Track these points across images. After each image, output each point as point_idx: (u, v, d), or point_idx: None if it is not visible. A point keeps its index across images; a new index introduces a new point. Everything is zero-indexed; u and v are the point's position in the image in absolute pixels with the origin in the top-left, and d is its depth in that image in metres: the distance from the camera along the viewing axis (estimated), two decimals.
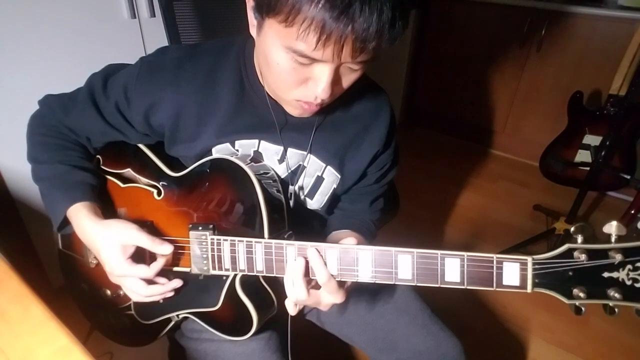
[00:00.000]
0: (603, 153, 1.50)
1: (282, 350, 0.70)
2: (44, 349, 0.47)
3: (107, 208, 0.71)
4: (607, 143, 1.49)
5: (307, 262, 0.54)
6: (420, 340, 0.72)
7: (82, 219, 0.62)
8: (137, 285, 0.62)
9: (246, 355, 0.67)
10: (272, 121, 0.64)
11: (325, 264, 0.54)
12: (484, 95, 2.45)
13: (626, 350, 1.38)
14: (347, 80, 0.54)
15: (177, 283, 0.65)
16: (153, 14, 1.30)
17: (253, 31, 0.54)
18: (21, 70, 1.10)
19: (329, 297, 0.56)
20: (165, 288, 0.64)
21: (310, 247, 0.54)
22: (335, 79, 0.52)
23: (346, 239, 0.55)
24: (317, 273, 0.53)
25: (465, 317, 1.46)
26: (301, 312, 0.83)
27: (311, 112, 0.58)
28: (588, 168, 1.60)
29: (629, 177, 1.59)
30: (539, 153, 1.97)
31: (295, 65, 0.50)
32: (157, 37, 1.33)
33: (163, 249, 0.62)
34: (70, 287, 0.81)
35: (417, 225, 1.92)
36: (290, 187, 0.68)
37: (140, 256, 0.63)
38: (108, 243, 0.60)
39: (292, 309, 0.56)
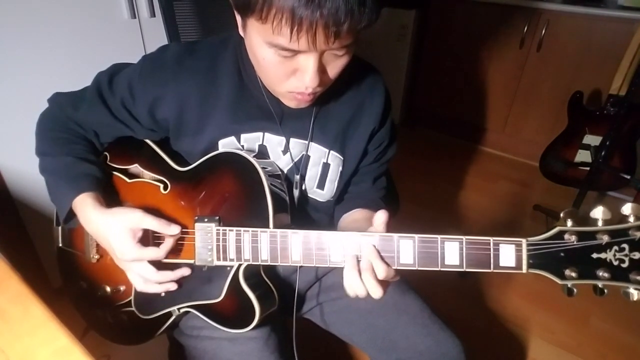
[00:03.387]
0: (603, 153, 1.51)
1: (281, 351, 0.71)
2: (44, 349, 0.47)
3: (113, 204, 0.71)
4: (607, 143, 1.49)
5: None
6: (420, 340, 0.72)
7: (88, 209, 0.63)
8: (148, 270, 0.63)
9: (245, 355, 0.67)
10: (271, 112, 0.65)
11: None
12: (483, 95, 2.45)
13: (626, 350, 1.37)
14: (335, 66, 0.55)
15: (186, 271, 0.65)
16: (153, 14, 1.31)
17: (241, 31, 0.56)
18: (21, 71, 1.10)
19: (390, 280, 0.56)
20: (174, 274, 0.64)
21: (367, 245, 0.54)
22: (322, 67, 0.53)
23: (359, 218, 0.56)
24: (376, 268, 0.54)
25: (465, 317, 1.46)
26: (301, 311, 0.83)
27: (307, 102, 0.60)
28: (588, 168, 1.60)
29: (629, 177, 1.59)
30: (539, 153, 1.97)
31: (280, 58, 0.52)
32: (157, 37, 1.33)
33: (171, 230, 0.63)
34: (67, 286, 0.82)
35: (417, 225, 1.91)
36: (296, 177, 0.69)
37: (147, 243, 0.64)
38: (116, 229, 0.61)
39: (353, 295, 0.57)
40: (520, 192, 2.21)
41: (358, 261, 0.55)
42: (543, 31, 2.08)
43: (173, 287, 0.65)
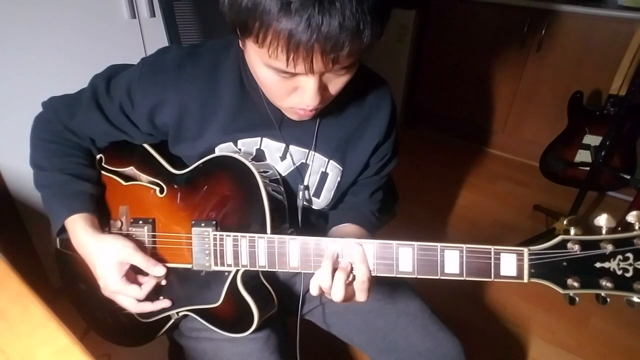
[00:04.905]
0: (603, 153, 1.50)
1: (280, 351, 0.71)
2: (44, 349, 0.47)
3: (108, 206, 0.71)
4: (607, 143, 1.49)
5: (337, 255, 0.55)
6: (420, 340, 0.72)
7: (79, 231, 0.63)
8: (128, 302, 0.65)
9: (244, 355, 0.67)
10: (271, 119, 0.64)
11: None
12: (484, 95, 2.45)
13: (626, 350, 1.37)
14: (336, 84, 0.54)
15: (166, 303, 0.67)
16: (153, 14, 1.31)
17: (241, 45, 0.55)
18: (21, 71, 1.10)
19: (357, 295, 0.56)
20: (154, 307, 0.66)
21: (356, 245, 0.54)
22: (323, 85, 0.52)
23: (347, 234, 0.55)
24: (358, 269, 0.54)
25: (465, 318, 1.46)
26: (301, 312, 0.83)
27: (309, 117, 0.58)
28: (588, 168, 1.60)
29: (629, 177, 1.59)
30: (539, 153, 1.97)
31: (279, 78, 0.51)
32: (157, 37, 1.33)
33: (156, 271, 0.64)
34: (67, 287, 0.81)
35: (417, 225, 1.92)
36: (300, 187, 0.69)
37: (135, 272, 0.65)
38: (104, 259, 0.62)
39: (314, 289, 0.56)
40: (520, 192, 2.21)
41: (337, 260, 0.55)
42: (543, 31, 2.07)
43: (161, 306, 0.67)
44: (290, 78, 0.50)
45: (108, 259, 0.62)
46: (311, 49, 0.43)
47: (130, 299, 0.64)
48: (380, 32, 0.47)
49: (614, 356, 1.36)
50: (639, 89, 1.41)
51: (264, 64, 0.50)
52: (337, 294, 0.54)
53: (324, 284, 0.54)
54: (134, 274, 0.65)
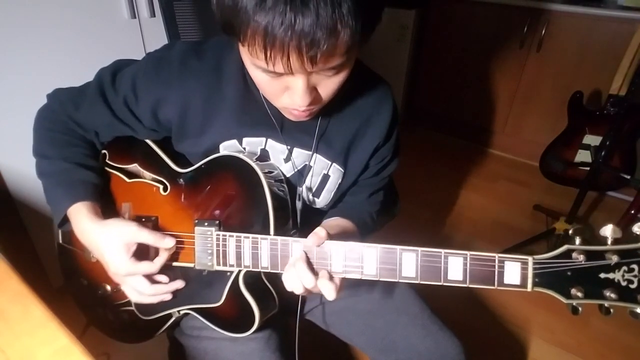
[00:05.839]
0: (603, 153, 1.51)
1: (282, 350, 0.71)
2: (44, 349, 0.47)
3: (111, 203, 0.71)
4: (607, 143, 1.49)
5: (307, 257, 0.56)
6: (420, 340, 0.72)
7: (82, 219, 0.62)
8: (142, 284, 0.63)
9: (245, 355, 0.67)
10: (273, 120, 0.64)
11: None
12: (484, 95, 2.45)
13: (626, 350, 1.38)
14: (326, 86, 0.53)
15: (180, 284, 0.65)
16: (153, 14, 1.31)
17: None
18: (21, 71, 1.10)
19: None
20: (168, 287, 0.65)
21: (299, 261, 0.55)
22: (312, 86, 0.52)
23: (336, 225, 0.57)
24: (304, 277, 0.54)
25: (465, 317, 1.46)
26: (301, 312, 0.83)
27: (305, 117, 0.58)
28: (588, 168, 1.60)
29: (629, 177, 1.59)
30: (539, 153, 1.97)
31: (269, 78, 0.51)
32: (157, 37, 1.33)
33: (166, 243, 0.62)
34: (68, 282, 0.81)
35: (417, 225, 1.92)
36: (299, 189, 0.68)
37: (144, 255, 0.64)
38: (110, 244, 0.61)
39: (298, 289, 0.56)
40: (520, 192, 2.21)
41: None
42: (543, 31, 2.08)
43: (168, 297, 0.66)
44: (278, 78, 0.50)
45: (113, 242, 0.60)
46: (287, 46, 0.43)
47: (143, 282, 0.62)
48: (363, 33, 0.45)
49: (614, 356, 1.36)
50: (639, 89, 1.41)
51: (251, 63, 0.50)
52: (328, 294, 0.54)
53: (307, 283, 0.55)
54: (144, 256, 0.64)
